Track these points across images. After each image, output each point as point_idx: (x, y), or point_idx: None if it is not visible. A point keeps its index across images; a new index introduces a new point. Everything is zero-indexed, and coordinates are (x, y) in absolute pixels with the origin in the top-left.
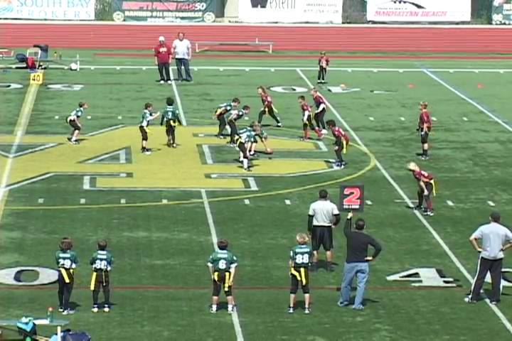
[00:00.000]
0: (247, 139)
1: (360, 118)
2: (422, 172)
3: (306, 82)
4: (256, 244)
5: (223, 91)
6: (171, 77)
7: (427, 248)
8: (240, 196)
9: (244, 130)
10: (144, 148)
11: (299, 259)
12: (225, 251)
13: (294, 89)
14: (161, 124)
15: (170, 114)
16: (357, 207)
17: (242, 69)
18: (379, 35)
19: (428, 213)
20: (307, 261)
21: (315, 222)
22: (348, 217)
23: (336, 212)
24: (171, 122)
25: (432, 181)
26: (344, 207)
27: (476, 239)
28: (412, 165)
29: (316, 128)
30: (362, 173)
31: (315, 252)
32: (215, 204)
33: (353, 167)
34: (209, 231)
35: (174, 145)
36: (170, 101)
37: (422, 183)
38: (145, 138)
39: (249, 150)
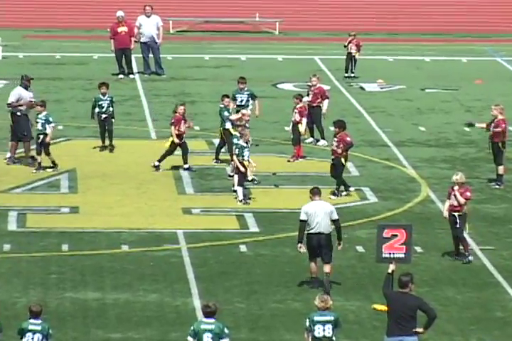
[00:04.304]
0: (246, 157)
1: (406, 129)
2: (468, 191)
3: (328, 76)
4: (256, 310)
5: (209, 89)
6: (134, 69)
7: (501, 315)
8: (233, 240)
9: (240, 143)
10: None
11: (318, 332)
12: (212, 320)
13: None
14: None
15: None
16: (401, 256)
17: (237, 58)
18: (433, 10)
19: (468, 258)
20: (330, 335)
21: (310, 229)
22: (389, 271)
23: (335, 216)
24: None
25: (464, 209)
26: (383, 255)
27: None
28: (460, 177)
29: (310, 140)
30: (409, 207)
31: (313, 264)
32: (198, 251)
33: (396, 198)
34: (189, 290)
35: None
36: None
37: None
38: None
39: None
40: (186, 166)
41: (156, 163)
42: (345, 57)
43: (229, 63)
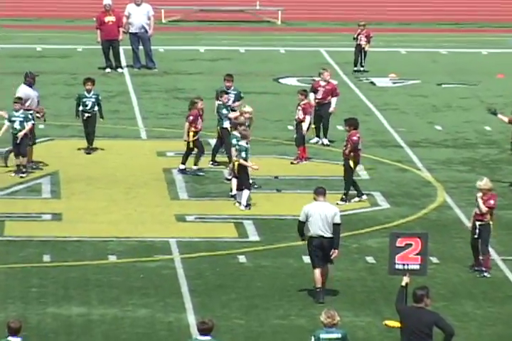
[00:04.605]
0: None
1: (420, 128)
2: (492, 199)
3: (335, 70)
4: (256, 326)
5: (205, 84)
6: (123, 63)
7: None
8: (231, 250)
9: (242, 145)
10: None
11: None
12: (208, 338)
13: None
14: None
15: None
16: (416, 267)
17: (235, 50)
18: None
19: (484, 274)
20: None
21: (309, 232)
22: (403, 284)
23: (338, 220)
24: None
25: (489, 217)
26: (396, 267)
27: None
28: (485, 183)
29: (315, 139)
30: (424, 214)
31: (317, 272)
32: (193, 262)
33: (410, 204)
34: (182, 305)
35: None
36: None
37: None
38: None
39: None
40: (182, 167)
41: (181, 167)
42: (354, 49)
43: (226, 56)
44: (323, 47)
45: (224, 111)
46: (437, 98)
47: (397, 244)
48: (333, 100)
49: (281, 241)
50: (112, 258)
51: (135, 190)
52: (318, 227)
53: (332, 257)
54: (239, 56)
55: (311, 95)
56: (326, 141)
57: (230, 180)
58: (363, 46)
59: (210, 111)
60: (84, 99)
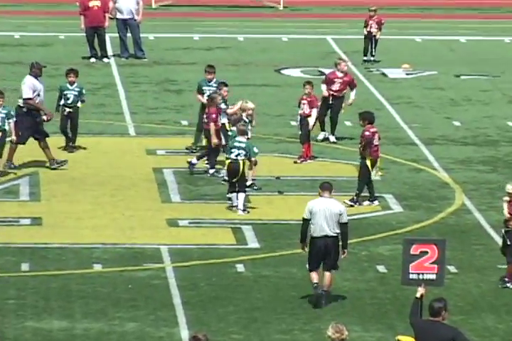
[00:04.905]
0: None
1: (437, 123)
2: None
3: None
4: None
5: (199, 76)
6: (109, 52)
7: None
8: (228, 258)
9: (239, 140)
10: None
11: None
12: None
13: (322, 73)
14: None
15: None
16: (432, 277)
17: (233, 38)
18: None
19: (506, 284)
20: None
21: (313, 232)
22: (418, 295)
23: (344, 219)
24: None
25: None
26: (410, 277)
27: None
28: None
29: (324, 133)
30: (441, 218)
31: (313, 274)
32: (186, 272)
33: (425, 207)
34: (175, 319)
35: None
36: None
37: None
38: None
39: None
40: (212, 171)
41: (211, 171)
42: (363, 37)
43: (223, 44)
44: (329, 35)
45: (222, 105)
46: (455, 91)
47: (411, 252)
48: (353, 92)
49: (284, 248)
50: (97, 267)
51: (122, 192)
52: (322, 225)
53: (342, 257)
54: (237, 44)
55: (324, 87)
56: (333, 138)
57: (227, 181)
58: (373, 34)
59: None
60: (66, 92)
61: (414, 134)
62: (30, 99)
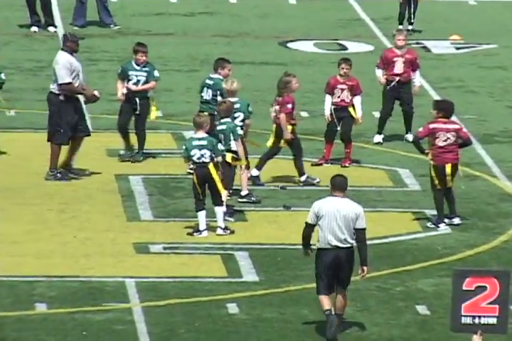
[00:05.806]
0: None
1: (497, 114)
2: None
3: (370, 30)
4: None
5: (177, 50)
6: (56, 19)
7: None
8: (217, 295)
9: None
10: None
11: None
12: None
13: (344, 48)
14: None
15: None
16: (492, 321)
17: (224, 1)
18: None
19: None
20: None
21: (320, 242)
22: None
23: (362, 224)
24: None
25: None
26: (463, 321)
27: None
28: None
29: (379, 138)
30: (502, 242)
31: (324, 298)
32: (160, 314)
33: (481, 227)
34: None
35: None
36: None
37: None
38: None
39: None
40: (303, 178)
41: (255, 173)
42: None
43: (209, 8)
44: None
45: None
46: None
47: (464, 287)
48: (417, 74)
49: (291, 281)
50: (41, 308)
51: (74, 207)
52: (332, 233)
53: (363, 278)
54: (228, 8)
55: (379, 72)
56: (410, 137)
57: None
58: None
59: (187, 91)
60: None
61: (467, 128)
62: (69, 83)
